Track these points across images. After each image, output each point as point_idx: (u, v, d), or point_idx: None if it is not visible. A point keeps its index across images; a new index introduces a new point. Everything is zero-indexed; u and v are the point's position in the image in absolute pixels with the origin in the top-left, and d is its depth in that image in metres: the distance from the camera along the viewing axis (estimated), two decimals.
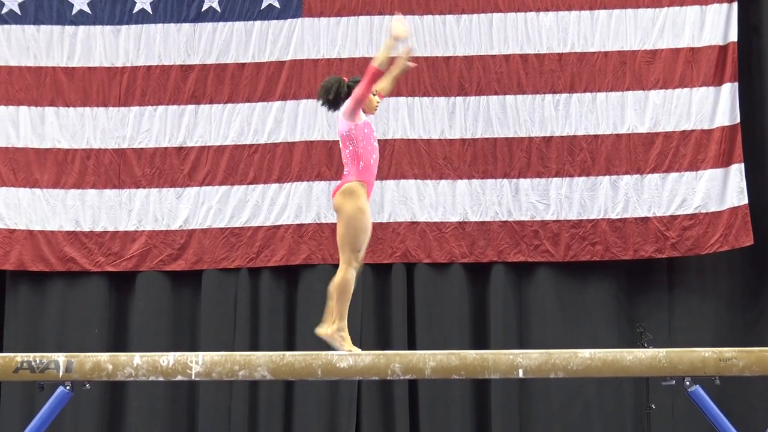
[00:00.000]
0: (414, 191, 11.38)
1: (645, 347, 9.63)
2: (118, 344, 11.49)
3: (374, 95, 7.58)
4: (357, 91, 7.35)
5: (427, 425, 11.19)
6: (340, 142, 7.52)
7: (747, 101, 11.32)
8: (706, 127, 11.23)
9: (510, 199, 11.34)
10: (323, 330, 7.47)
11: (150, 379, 7.11)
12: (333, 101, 7.56)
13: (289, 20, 11.63)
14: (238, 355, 7.04)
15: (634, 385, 11.06)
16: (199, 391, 11.35)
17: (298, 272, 11.46)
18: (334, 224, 11.15)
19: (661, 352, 7.00)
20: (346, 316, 7.45)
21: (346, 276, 7.43)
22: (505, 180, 11.36)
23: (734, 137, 11.16)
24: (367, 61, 11.34)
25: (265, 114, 11.51)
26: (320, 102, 7.63)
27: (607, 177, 11.27)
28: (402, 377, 7.15)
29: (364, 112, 7.55)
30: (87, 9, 11.73)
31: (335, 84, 7.55)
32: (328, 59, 11.55)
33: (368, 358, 7.07)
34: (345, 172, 7.50)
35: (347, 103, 7.43)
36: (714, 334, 11.14)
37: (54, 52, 11.70)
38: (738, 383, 9.97)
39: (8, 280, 11.62)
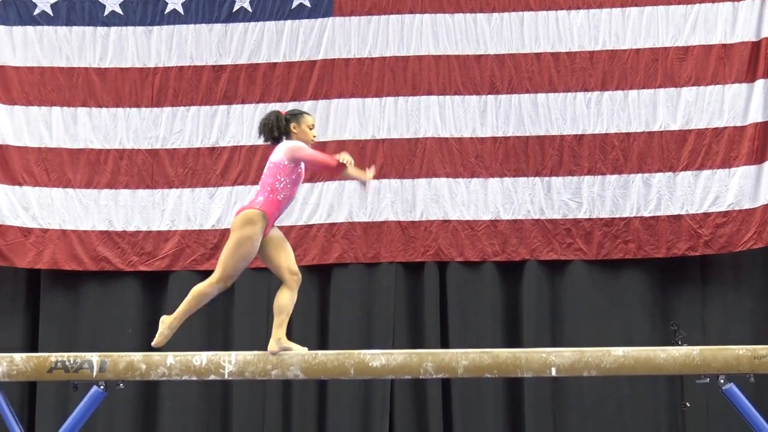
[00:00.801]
0: (446, 190, 11.37)
1: (679, 345, 9.59)
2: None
3: (311, 129, 7.59)
4: (302, 154, 7.33)
5: (460, 424, 11.18)
6: (266, 168, 7.42)
7: None
8: (738, 124, 11.17)
9: (542, 198, 11.31)
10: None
11: (183, 378, 7.14)
12: (277, 138, 7.53)
13: (319, 19, 11.64)
14: (271, 355, 7.05)
15: (669, 383, 11.02)
16: (232, 391, 11.38)
17: (330, 271, 11.47)
18: (366, 223, 11.33)
19: (694, 350, 6.98)
20: (184, 319, 7.31)
21: (207, 290, 7.29)
22: (537, 178, 11.33)
23: (767, 134, 11.10)
24: (399, 60, 11.48)
25: None
26: (263, 139, 7.60)
27: (640, 175, 11.22)
28: (435, 376, 7.15)
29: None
30: (119, 10, 11.77)
31: (275, 120, 7.52)
32: (359, 58, 11.55)
33: (401, 357, 7.07)
34: (255, 196, 7.43)
35: (294, 150, 7.36)
36: (748, 331, 11.08)
37: (86, 53, 11.75)
38: None
39: (43, 281, 11.68)
